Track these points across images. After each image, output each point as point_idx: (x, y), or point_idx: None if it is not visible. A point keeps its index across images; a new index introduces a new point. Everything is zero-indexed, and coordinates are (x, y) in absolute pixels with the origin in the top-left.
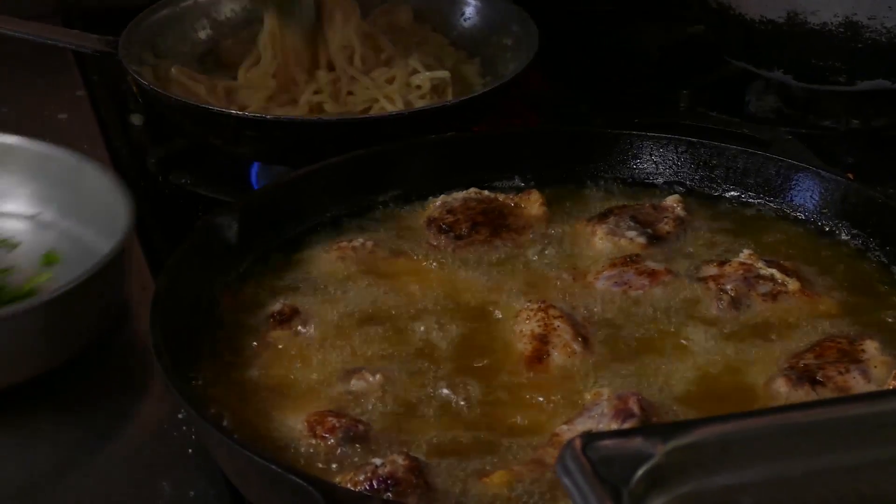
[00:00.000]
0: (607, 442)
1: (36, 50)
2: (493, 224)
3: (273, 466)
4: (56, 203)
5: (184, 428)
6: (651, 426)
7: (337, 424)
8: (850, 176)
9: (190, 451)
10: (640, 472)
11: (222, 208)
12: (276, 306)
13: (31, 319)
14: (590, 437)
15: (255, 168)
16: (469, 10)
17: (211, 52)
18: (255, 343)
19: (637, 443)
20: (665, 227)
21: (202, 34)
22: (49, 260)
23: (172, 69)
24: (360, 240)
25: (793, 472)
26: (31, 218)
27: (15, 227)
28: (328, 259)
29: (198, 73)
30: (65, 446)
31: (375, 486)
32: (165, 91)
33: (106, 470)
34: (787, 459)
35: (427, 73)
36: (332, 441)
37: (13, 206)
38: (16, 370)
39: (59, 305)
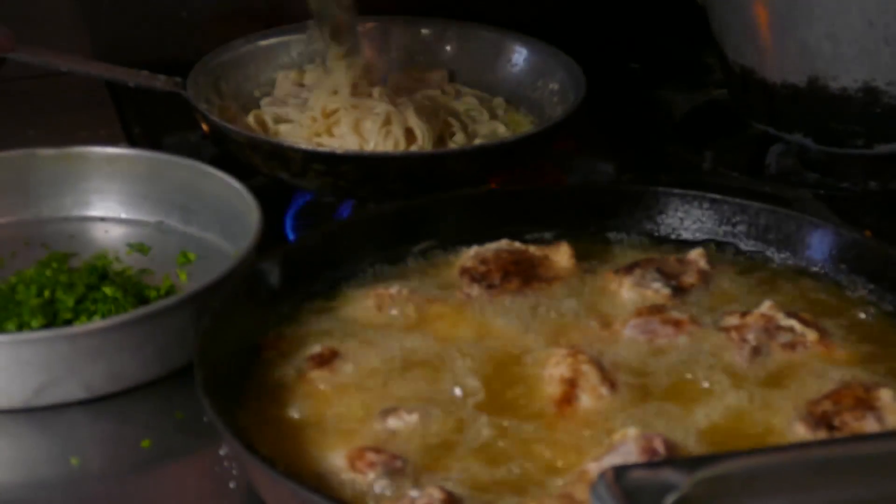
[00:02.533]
0: (638, 473)
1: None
2: (524, 274)
3: (318, 497)
4: (178, 210)
5: (225, 464)
6: (679, 459)
7: (376, 460)
8: (868, 233)
9: (231, 485)
10: (668, 502)
11: (265, 255)
12: (316, 348)
13: (180, 313)
14: (622, 469)
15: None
16: (515, 57)
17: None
18: (295, 383)
19: (666, 473)
20: (689, 279)
21: (263, 77)
22: (184, 260)
23: (251, 115)
24: (397, 287)
25: None
26: (156, 224)
27: (143, 234)
28: (365, 306)
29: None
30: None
31: None
32: (233, 126)
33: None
34: (807, 493)
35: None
36: (372, 475)
37: (138, 214)
38: (168, 361)
39: (205, 298)
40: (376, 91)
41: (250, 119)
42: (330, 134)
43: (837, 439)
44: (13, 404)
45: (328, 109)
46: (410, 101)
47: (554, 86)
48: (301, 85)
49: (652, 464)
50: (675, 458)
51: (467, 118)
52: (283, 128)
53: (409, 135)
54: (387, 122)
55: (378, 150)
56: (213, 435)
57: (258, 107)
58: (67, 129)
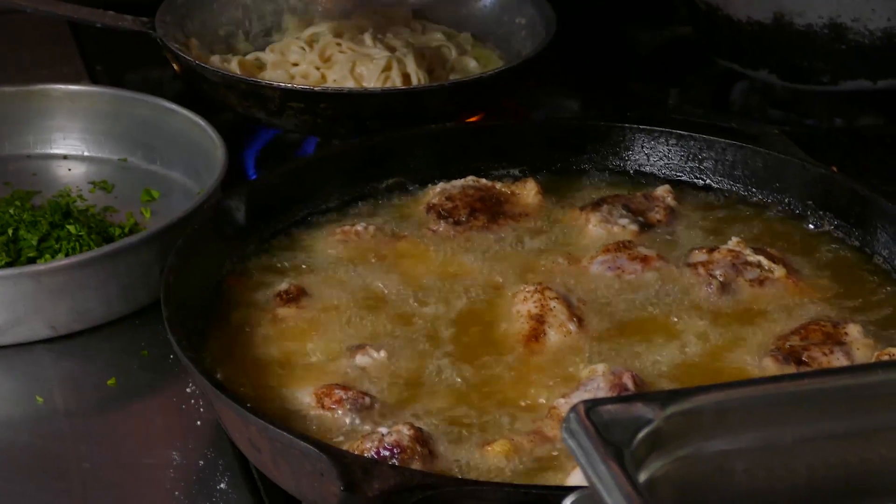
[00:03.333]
0: (609, 407)
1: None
2: (491, 211)
3: (286, 434)
4: (142, 148)
5: (192, 402)
6: (650, 393)
7: (344, 397)
8: (834, 169)
9: (198, 423)
10: (640, 436)
11: (230, 191)
12: (283, 286)
13: (145, 251)
14: (593, 403)
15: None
16: None
17: (233, 36)
18: (262, 321)
19: (637, 408)
20: (656, 215)
21: (225, 17)
22: (148, 197)
23: (213, 55)
24: (363, 224)
25: (783, 440)
26: (119, 162)
27: (106, 171)
28: (332, 242)
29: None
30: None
31: (382, 454)
32: (210, 66)
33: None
34: (777, 427)
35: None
36: (340, 412)
37: (101, 151)
38: (132, 299)
39: (169, 235)
40: (368, 36)
41: (234, 65)
42: (324, 79)
43: (808, 373)
44: None
45: (325, 55)
46: (409, 48)
47: (521, 20)
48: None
49: (623, 398)
50: (646, 393)
51: (437, 54)
52: (274, 73)
53: (406, 80)
54: (386, 68)
55: (357, 88)
56: (179, 373)
57: (224, 45)
58: (29, 67)
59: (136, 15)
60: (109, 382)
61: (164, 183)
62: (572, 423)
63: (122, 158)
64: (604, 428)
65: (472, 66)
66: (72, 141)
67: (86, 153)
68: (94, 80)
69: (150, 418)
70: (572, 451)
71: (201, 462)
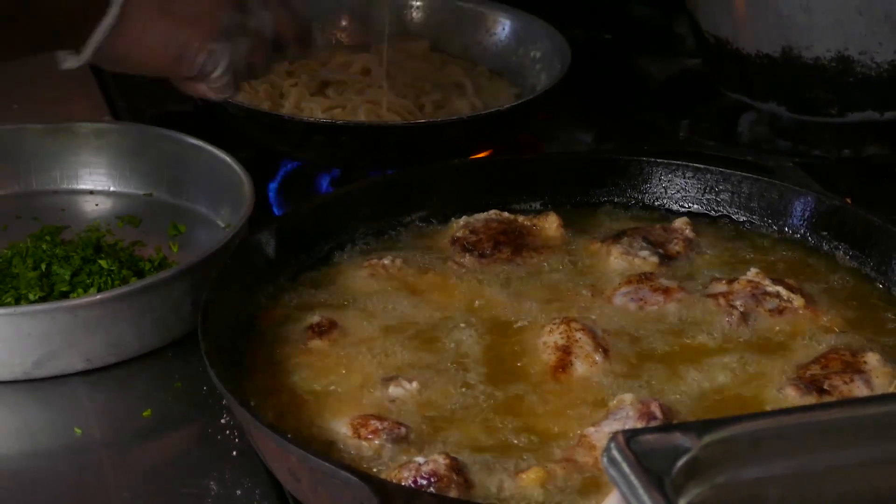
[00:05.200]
0: (649, 437)
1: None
2: (514, 243)
3: (327, 463)
4: (166, 182)
5: (226, 432)
6: (688, 423)
7: (380, 427)
8: (848, 201)
9: (234, 453)
10: (679, 464)
11: (260, 226)
12: (315, 318)
13: (178, 285)
14: (633, 432)
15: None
16: (497, 27)
17: None
18: (295, 353)
19: (676, 437)
20: (675, 247)
21: None
22: (175, 231)
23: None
24: (390, 258)
25: (815, 467)
26: (145, 197)
27: (132, 206)
28: (360, 275)
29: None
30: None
31: (419, 483)
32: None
33: (157, 461)
34: (809, 455)
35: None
36: (377, 442)
37: (127, 187)
38: (165, 332)
39: (201, 270)
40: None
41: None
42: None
43: (837, 402)
44: (14, 376)
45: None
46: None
47: (536, 53)
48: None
49: (661, 427)
50: (684, 423)
51: (454, 88)
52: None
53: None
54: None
55: (378, 121)
56: (212, 404)
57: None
58: (51, 103)
59: None
60: (145, 414)
61: (190, 217)
62: (613, 452)
63: (148, 193)
64: (644, 457)
65: (478, 104)
66: (98, 176)
67: (112, 188)
68: (116, 116)
69: (186, 449)
70: (613, 480)
71: (238, 492)
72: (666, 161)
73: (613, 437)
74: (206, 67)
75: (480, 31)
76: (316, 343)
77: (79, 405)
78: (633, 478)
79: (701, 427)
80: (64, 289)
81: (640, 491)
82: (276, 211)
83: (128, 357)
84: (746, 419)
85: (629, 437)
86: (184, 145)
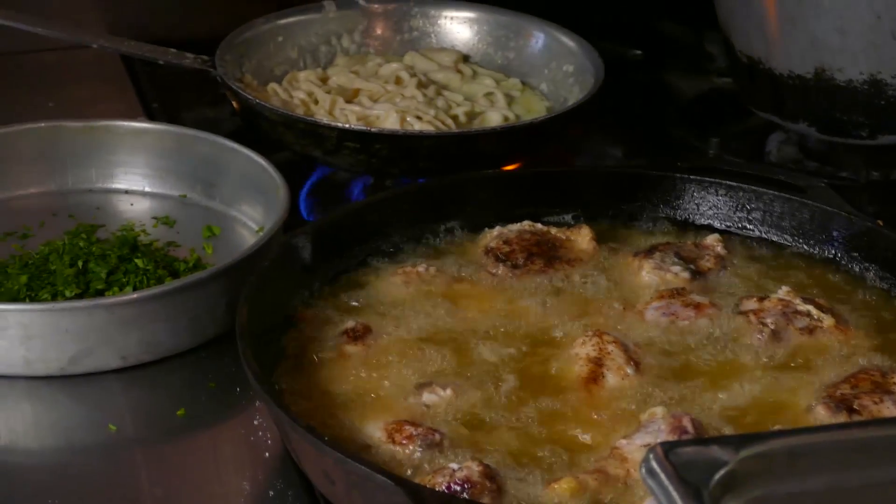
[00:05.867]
0: (687, 449)
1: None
2: (547, 255)
3: (363, 466)
4: (201, 184)
5: (259, 434)
6: (726, 436)
7: (415, 433)
8: (880, 223)
9: (266, 454)
10: (716, 477)
11: (297, 230)
12: (350, 323)
13: (213, 286)
14: (671, 445)
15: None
16: (531, 40)
17: (287, 74)
18: (330, 357)
19: (714, 451)
20: (706, 263)
21: (281, 55)
22: (209, 233)
23: (270, 85)
24: (424, 265)
25: (850, 483)
26: (179, 198)
27: (167, 207)
28: (394, 282)
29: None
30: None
31: (453, 488)
32: (269, 104)
33: (190, 460)
34: (844, 471)
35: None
36: (411, 448)
37: (162, 187)
38: (199, 332)
39: (236, 272)
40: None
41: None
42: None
43: (873, 421)
44: (50, 371)
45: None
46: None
47: (569, 67)
48: (324, 81)
49: (699, 440)
50: (722, 436)
51: (486, 100)
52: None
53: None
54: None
55: (411, 129)
56: (245, 405)
57: (278, 83)
58: (86, 102)
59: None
60: (178, 413)
61: (224, 219)
62: (652, 463)
63: (182, 195)
64: (682, 469)
65: (511, 115)
66: (133, 176)
67: (147, 189)
68: (151, 117)
69: (219, 448)
70: (652, 491)
71: (271, 492)
72: (699, 178)
73: (652, 448)
74: None
75: (514, 44)
76: (350, 347)
77: (113, 402)
78: (671, 489)
79: (738, 441)
80: (100, 286)
81: (679, 502)
82: (306, 216)
83: (162, 356)
84: (784, 435)
85: (668, 450)
86: (220, 147)
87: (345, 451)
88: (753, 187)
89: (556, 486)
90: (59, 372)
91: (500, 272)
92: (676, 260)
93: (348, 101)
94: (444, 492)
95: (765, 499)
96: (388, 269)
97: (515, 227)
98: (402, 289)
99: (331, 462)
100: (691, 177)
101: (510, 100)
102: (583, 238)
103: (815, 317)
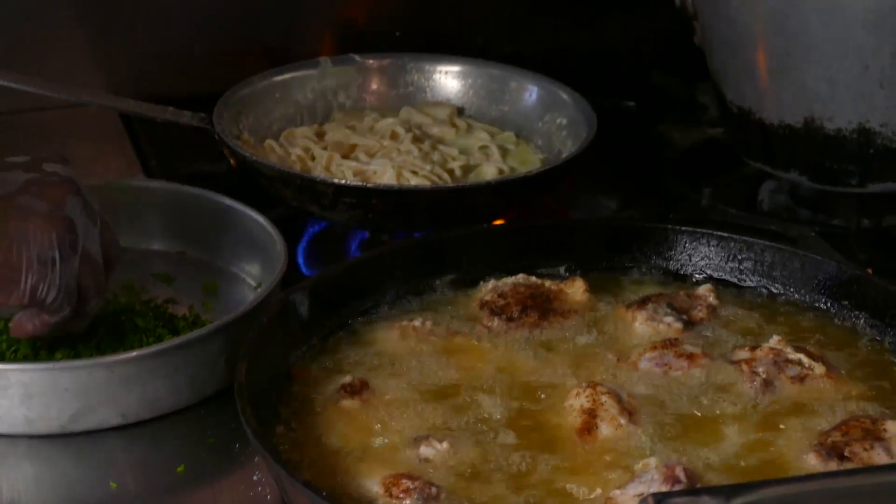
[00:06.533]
0: (679, 500)
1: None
2: (541, 308)
3: None
4: (200, 241)
5: (258, 489)
6: (716, 486)
7: (412, 486)
8: (870, 271)
9: None
10: None
11: (294, 287)
12: (347, 379)
13: (212, 343)
14: (663, 495)
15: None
16: (524, 93)
17: (285, 130)
18: (327, 412)
19: (705, 500)
20: (699, 313)
21: (278, 112)
22: (208, 290)
23: (267, 141)
24: (420, 319)
25: None
26: (178, 255)
27: (166, 264)
28: (391, 337)
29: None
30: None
31: None
32: (266, 161)
33: None
34: None
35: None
36: (408, 501)
37: (160, 244)
38: (199, 389)
39: (235, 328)
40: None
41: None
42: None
43: (862, 469)
44: (51, 430)
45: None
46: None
47: (562, 120)
48: (321, 137)
49: (690, 491)
50: (712, 486)
51: (481, 153)
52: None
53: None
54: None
55: (407, 184)
56: (244, 461)
57: (275, 139)
58: (86, 160)
59: (181, 109)
60: (179, 469)
61: (223, 276)
62: None
63: (181, 251)
64: None
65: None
66: (132, 234)
67: (145, 246)
68: (150, 175)
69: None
70: None
71: None
72: (691, 229)
73: (644, 500)
74: (38, 293)
75: (508, 97)
76: (348, 402)
77: (114, 460)
78: None
79: (729, 491)
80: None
81: None
82: (304, 270)
83: (162, 413)
84: (773, 484)
85: (660, 500)
86: (217, 205)
87: None
88: (744, 238)
89: None
90: (60, 430)
91: (495, 325)
92: (669, 310)
93: (345, 157)
94: None
95: None
96: (384, 324)
97: (510, 280)
98: (398, 343)
99: None
100: (683, 228)
101: (505, 152)
102: (576, 290)
103: (807, 365)
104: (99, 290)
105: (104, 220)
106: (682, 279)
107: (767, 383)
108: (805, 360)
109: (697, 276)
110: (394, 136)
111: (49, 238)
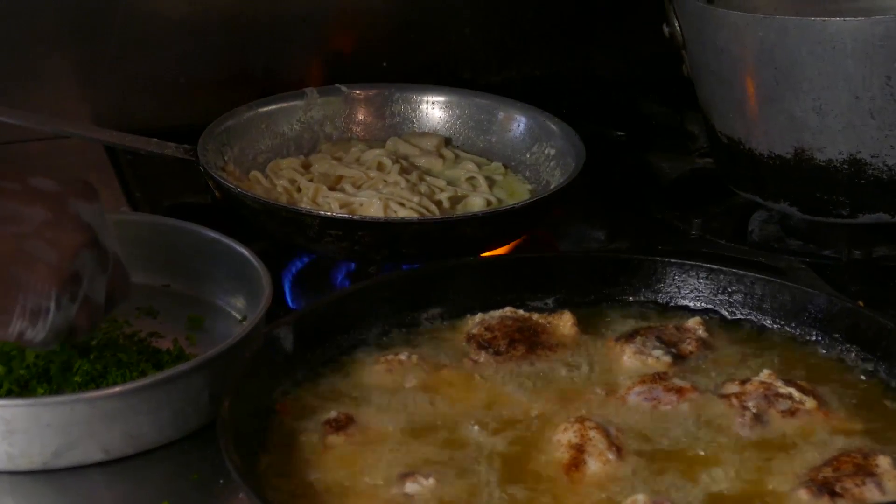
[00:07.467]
0: None
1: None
2: (529, 341)
3: None
4: (184, 274)
5: None
6: None
7: None
8: (861, 304)
9: None
10: None
11: (279, 321)
12: (332, 414)
13: (196, 378)
14: None
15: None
16: (511, 123)
17: (270, 162)
18: (312, 448)
19: None
20: (688, 347)
21: (263, 143)
22: (192, 323)
23: (252, 172)
24: (406, 353)
25: None
26: (162, 288)
27: (149, 297)
28: (376, 371)
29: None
30: None
31: None
32: (251, 193)
33: None
34: None
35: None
36: None
37: (144, 278)
38: (183, 424)
39: (219, 363)
40: (395, 168)
41: (279, 187)
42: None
43: None
44: (33, 466)
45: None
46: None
47: (550, 151)
48: (307, 168)
49: None
50: None
51: (468, 184)
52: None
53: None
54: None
55: (394, 216)
56: (227, 496)
57: (260, 171)
58: None
59: (167, 140)
60: None
61: (207, 309)
62: None
63: (165, 284)
64: None
65: (493, 200)
66: None
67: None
68: (134, 207)
69: None
70: None
71: None
72: (679, 261)
73: None
74: (25, 336)
75: (495, 127)
76: (333, 438)
77: (97, 496)
78: None
79: None
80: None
81: None
82: (290, 303)
83: (145, 448)
84: None
85: None
86: (202, 238)
87: None
88: (734, 270)
89: None
90: (43, 466)
91: (482, 359)
92: (658, 344)
93: (331, 189)
94: None
95: None
96: (370, 358)
97: (497, 313)
98: (384, 377)
99: None
100: (672, 260)
101: (493, 183)
102: (564, 323)
103: (797, 399)
104: (92, 328)
105: (117, 260)
106: (671, 312)
107: (757, 417)
108: (795, 393)
109: (687, 308)
110: (381, 168)
111: (49, 291)
